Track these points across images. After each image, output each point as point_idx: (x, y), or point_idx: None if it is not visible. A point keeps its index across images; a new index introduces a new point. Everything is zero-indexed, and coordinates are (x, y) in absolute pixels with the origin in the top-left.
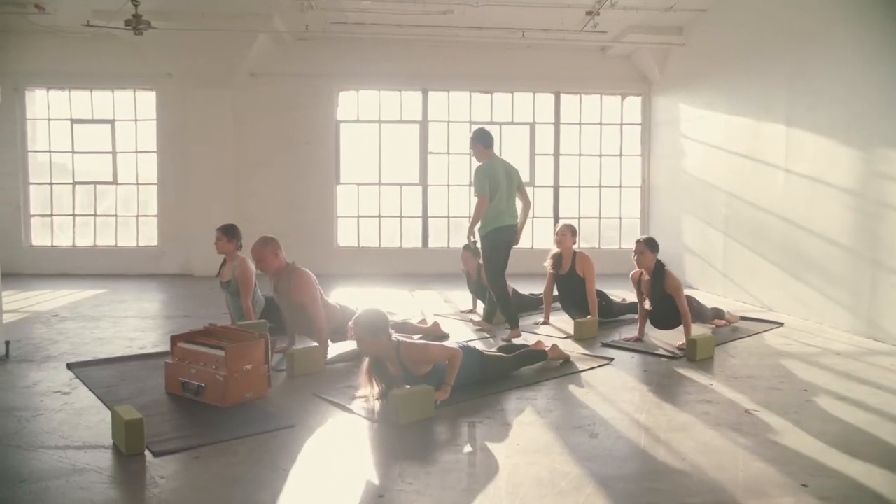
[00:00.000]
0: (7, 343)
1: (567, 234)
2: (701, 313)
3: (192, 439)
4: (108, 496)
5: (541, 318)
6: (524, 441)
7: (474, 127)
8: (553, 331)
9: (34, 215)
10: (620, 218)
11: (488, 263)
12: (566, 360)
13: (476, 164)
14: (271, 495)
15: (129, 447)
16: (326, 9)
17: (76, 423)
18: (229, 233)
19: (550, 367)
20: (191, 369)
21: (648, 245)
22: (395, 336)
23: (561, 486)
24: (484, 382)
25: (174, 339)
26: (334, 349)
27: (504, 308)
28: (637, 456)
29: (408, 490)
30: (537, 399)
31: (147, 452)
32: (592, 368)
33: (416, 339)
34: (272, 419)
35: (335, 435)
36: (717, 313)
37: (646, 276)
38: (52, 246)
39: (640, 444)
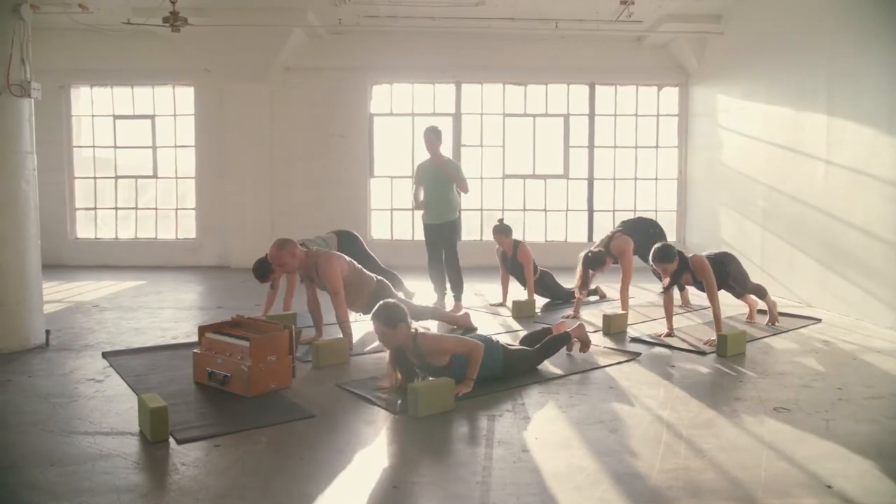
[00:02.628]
0: (47, 332)
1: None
2: (743, 283)
3: (214, 428)
4: (130, 481)
5: (570, 312)
6: (543, 435)
7: (431, 123)
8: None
9: (79, 209)
10: (656, 211)
11: (455, 245)
12: (585, 343)
13: (430, 157)
14: (287, 483)
15: (154, 434)
16: (359, 2)
17: (106, 409)
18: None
19: (576, 361)
20: (217, 359)
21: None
22: (415, 326)
23: (577, 482)
24: (506, 378)
25: (202, 330)
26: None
27: (460, 283)
28: (657, 452)
29: (421, 482)
30: (560, 393)
31: (171, 439)
32: (619, 363)
33: (438, 328)
34: (294, 409)
35: (355, 426)
36: (758, 290)
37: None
38: (96, 238)
39: (661, 440)
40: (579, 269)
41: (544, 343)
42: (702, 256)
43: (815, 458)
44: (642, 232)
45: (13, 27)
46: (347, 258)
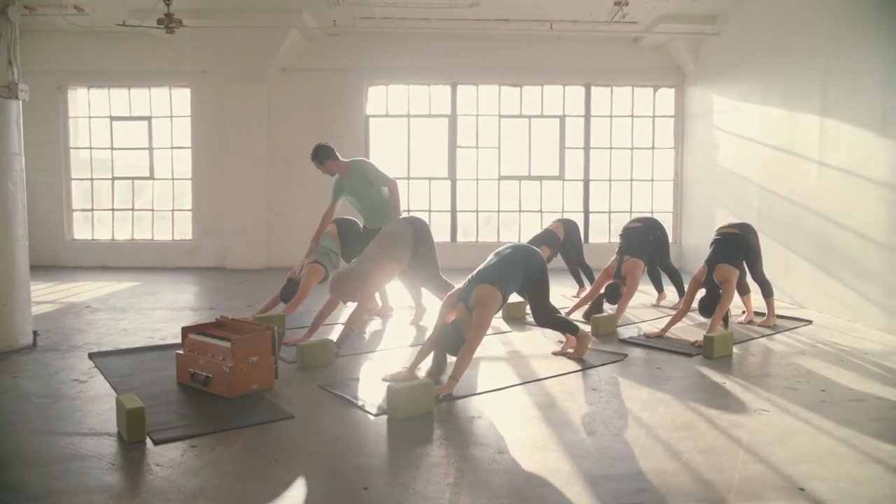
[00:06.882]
0: (35, 333)
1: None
2: (754, 261)
3: (192, 428)
4: (102, 482)
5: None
6: (520, 437)
7: (315, 146)
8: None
9: (76, 210)
10: (652, 212)
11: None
12: (579, 352)
13: (333, 170)
14: (259, 484)
15: (131, 435)
16: (354, 4)
17: (87, 410)
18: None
19: (562, 363)
20: (199, 360)
21: None
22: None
23: (547, 483)
24: (526, 288)
25: (185, 331)
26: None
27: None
28: (632, 454)
29: (393, 483)
30: (542, 395)
31: (148, 440)
32: (604, 364)
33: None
34: (274, 410)
35: (333, 427)
36: (766, 285)
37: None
38: (93, 239)
39: (638, 442)
40: (592, 299)
41: (558, 318)
42: (728, 268)
43: (792, 461)
44: (645, 242)
45: (1, 29)
46: (389, 266)
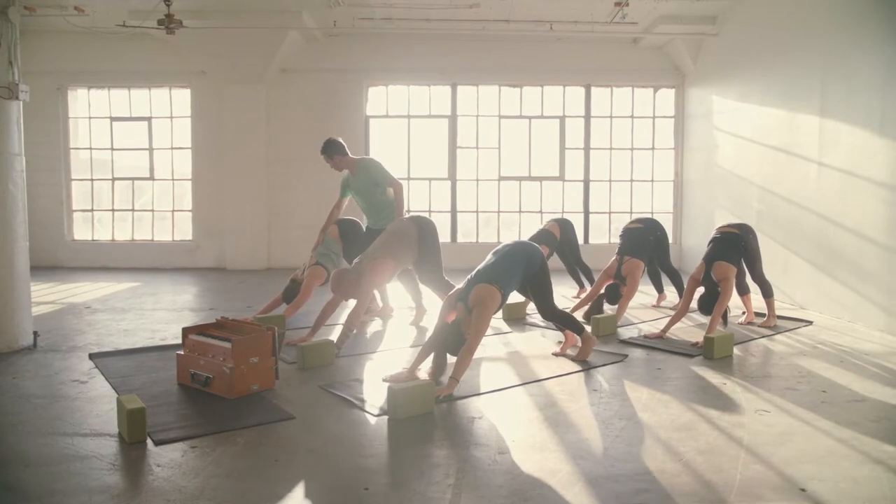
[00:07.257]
0: (35, 333)
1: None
2: (753, 262)
3: (193, 429)
4: (102, 482)
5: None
6: (520, 438)
7: (326, 140)
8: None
9: (76, 210)
10: (652, 213)
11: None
12: (583, 354)
13: (341, 168)
14: (259, 485)
15: (132, 435)
16: (354, 4)
17: (88, 410)
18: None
19: (563, 363)
20: (200, 361)
21: None
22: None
23: (548, 484)
24: (528, 285)
25: (186, 331)
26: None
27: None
28: (633, 455)
29: (394, 483)
30: (542, 395)
31: (149, 441)
32: (605, 365)
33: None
34: (274, 411)
35: (333, 427)
36: (766, 286)
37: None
38: (93, 240)
39: (638, 442)
40: (592, 300)
41: (565, 313)
42: (725, 266)
43: (793, 461)
44: (645, 243)
45: (1, 30)
46: (390, 264)
